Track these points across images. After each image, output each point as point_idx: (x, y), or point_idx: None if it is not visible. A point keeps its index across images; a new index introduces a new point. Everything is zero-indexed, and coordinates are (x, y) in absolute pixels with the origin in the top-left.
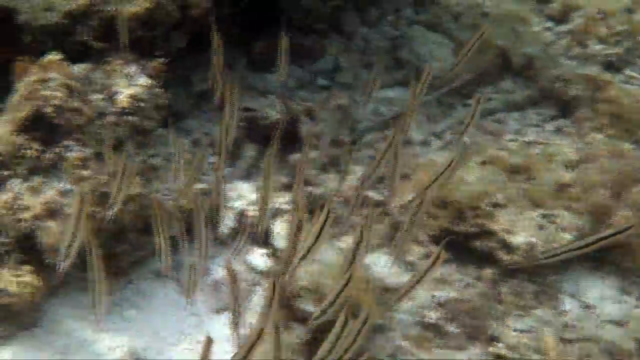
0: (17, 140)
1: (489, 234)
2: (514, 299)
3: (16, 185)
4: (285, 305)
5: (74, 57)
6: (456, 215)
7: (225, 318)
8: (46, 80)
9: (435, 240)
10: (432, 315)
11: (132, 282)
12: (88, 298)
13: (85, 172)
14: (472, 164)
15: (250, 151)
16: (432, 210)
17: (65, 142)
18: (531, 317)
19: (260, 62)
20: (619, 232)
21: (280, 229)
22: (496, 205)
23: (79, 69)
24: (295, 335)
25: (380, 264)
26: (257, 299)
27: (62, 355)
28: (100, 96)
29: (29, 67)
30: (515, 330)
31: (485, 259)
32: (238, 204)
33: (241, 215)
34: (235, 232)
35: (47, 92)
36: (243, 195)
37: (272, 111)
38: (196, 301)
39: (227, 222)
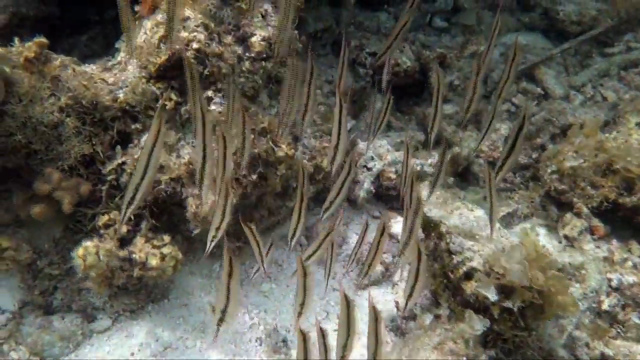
0: (152, 89)
1: None
2: None
3: None
4: (452, 287)
5: None
6: (624, 185)
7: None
8: (184, 18)
9: (598, 213)
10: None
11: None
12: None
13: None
14: (631, 124)
15: (377, 102)
16: (593, 177)
17: (207, 93)
18: None
19: None
20: None
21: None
22: None
23: (208, 5)
24: (471, 325)
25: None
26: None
27: (199, 333)
28: (231, 38)
29: (154, 1)
30: None
31: None
32: (375, 165)
33: (379, 177)
34: (373, 197)
35: (186, 34)
36: (379, 154)
37: (404, 57)
38: (336, 274)
39: (365, 185)
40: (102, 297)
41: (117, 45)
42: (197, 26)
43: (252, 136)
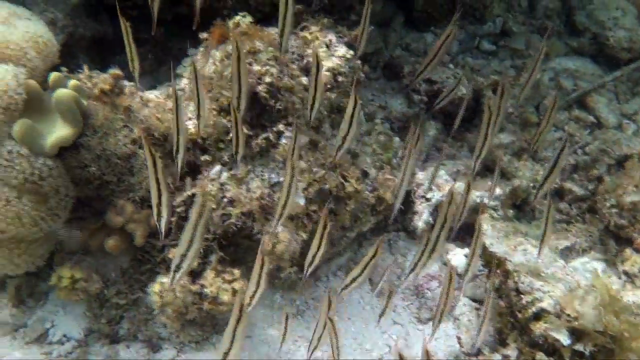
0: (223, 122)
1: None
2: None
3: (219, 173)
4: (520, 327)
5: (257, 19)
6: None
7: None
8: (255, 51)
9: None
10: None
11: (321, 279)
12: None
13: (302, 164)
14: None
15: (431, 130)
16: None
17: (277, 127)
18: None
19: (420, 20)
20: None
21: (486, 227)
22: None
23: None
24: None
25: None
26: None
27: None
28: (296, 68)
29: (224, 31)
30: None
31: None
32: (435, 196)
33: (436, 209)
34: (430, 227)
35: (258, 67)
36: (438, 184)
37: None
38: (396, 306)
39: (424, 216)
40: (170, 328)
41: (179, 71)
42: (269, 59)
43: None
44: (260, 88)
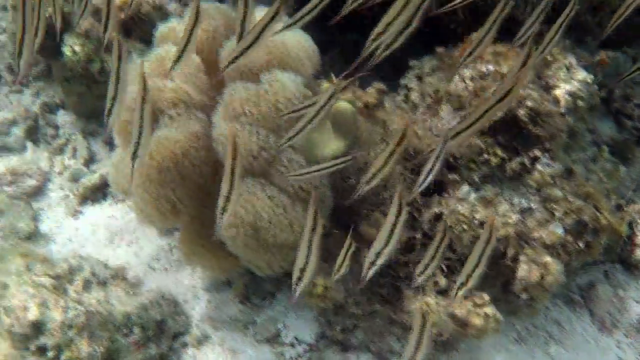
0: (477, 142)
1: None
2: None
3: (467, 193)
4: None
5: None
6: None
7: None
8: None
9: None
10: None
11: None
12: None
13: (557, 192)
14: None
15: None
16: None
17: (533, 152)
18: None
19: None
20: None
21: None
22: None
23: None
24: None
25: None
26: None
27: None
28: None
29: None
30: None
31: None
32: None
33: None
34: None
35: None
36: None
37: None
38: (620, 342)
39: None
40: (402, 342)
41: (402, 81)
42: (531, 83)
43: None
44: (521, 112)
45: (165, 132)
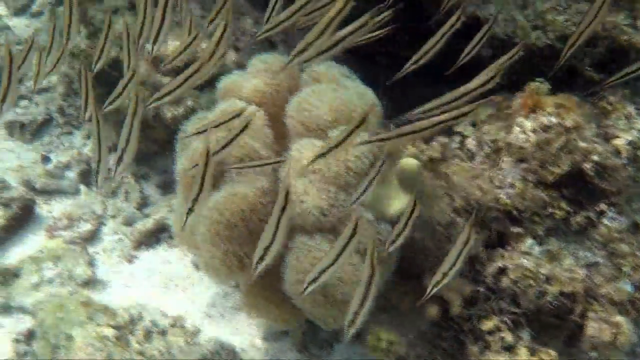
0: (542, 195)
1: None
2: None
3: (531, 246)
4: None
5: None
6: None
7: None
8: (578, 126)
9: None
10: None
11: None
12: None
13: (624, 247)
14: None
15: None
16: None
17: (599, 206)
18: None
19: None
20: None
21: None
22: None
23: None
24: None
25: None
26: None
27: None
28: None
29: (537, 101)
30: None
31: None
32: None
33: None
34: None
35: (584, 144)
36: None
37: None
38: None
39: None
40: None
41: (458, 129)
42: (595, 136)
43: None
44: (587, 166)
45: (234, 188)
